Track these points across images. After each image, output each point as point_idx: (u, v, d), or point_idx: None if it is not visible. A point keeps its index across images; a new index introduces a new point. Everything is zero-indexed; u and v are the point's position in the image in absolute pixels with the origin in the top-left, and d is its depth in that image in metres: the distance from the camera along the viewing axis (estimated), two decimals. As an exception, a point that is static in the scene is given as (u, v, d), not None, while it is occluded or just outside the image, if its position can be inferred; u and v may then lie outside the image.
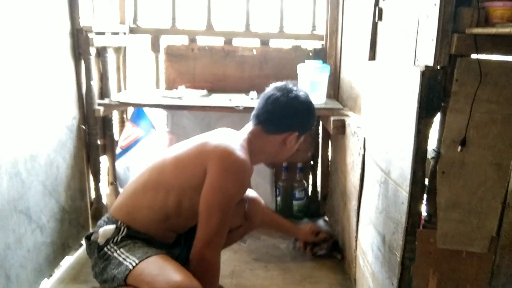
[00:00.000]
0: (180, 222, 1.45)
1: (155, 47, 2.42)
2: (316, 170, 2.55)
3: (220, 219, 1.33)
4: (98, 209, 2.23)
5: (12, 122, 1.50)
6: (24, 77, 1.57)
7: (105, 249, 1.36)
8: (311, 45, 2.45)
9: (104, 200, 2.32)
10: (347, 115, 1.99)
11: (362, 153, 1.62)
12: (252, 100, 2.15)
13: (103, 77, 2.21)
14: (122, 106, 2.17)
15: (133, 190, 1.45)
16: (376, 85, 1.52)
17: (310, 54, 2.41)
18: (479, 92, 1.03)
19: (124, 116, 2.49)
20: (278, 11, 2.39)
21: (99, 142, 2.19)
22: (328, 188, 2.47)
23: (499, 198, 1.09)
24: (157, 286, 1.20)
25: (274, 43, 2.46)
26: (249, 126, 1.52)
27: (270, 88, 1.52)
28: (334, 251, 2.06)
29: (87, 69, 2.02)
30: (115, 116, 2.43)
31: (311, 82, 2.05)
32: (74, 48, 1.94)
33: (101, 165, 2.23)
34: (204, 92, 2.31)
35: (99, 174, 2.21)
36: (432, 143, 1.13)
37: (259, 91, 2.19)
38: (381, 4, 1.53)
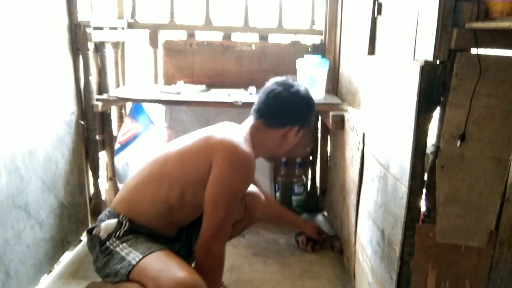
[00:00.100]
0: (182, 215, 1.46)
1: (154, 42, 2.41)
2: (315, 165, 2.56)
3: (225, 211, 1.35)
4: (97, 205, 2.23)
5: (10, 118, 1.49)
6: (22, 73, 1.57)
7: (107, 243, 1.36)
8: (310, 40, 2.44)
9: (103, 196, 2.32)
10: (346, 110, 1.99)
11: (361, 148, 1.62)
12: (251, 95, 2.15)
13: (101, 73, 2.20)
14: (120, 102, 2.17)
15: (136, 183, 1.45)
16: (375, 80, 1.51)
17: (309, 49, 2.40)
18: (479, 86, 1.03)
19: (123, 111, 2.48)
20: (277, 6, 2.38)
21: (97, 137, 2.19)
22: (327, 183, 2.47)
23: (498, 193, 1.09)
24: (161, 282, 1.20)
25: (273, 38, 2.45)
26: (250, 121, 1.53)
27: (271, 83, 1.54)
28: (333, 238, 2.09)
29: (85, 64, 2.01)
30: (114, 111, 2.43)
31: (310, 77, 2.05)
32: (72, 43, 1.93)
33: (100, 160, 2.23)
34: (203, 87, 2.30)
35: (98, 169, 2.20)
36: (431, 138, 1.13)
37: (258, 86, 2.19)
38: (380, -1, 1.52)
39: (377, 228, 1.40)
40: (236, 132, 1.45)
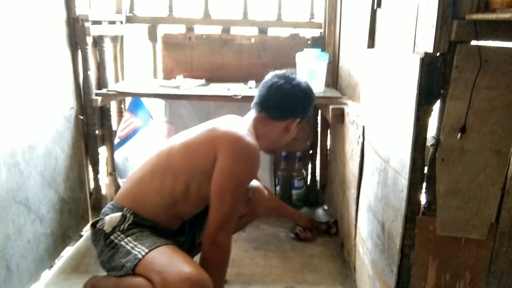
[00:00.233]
0: (186, 208, 1.46)
1: (152, 36, 2.40)
2: (315, 159, 2.56)
3: (232, 202, 1.36)
4: (97, 200, 2.23)
5: (10, 113, 1.49)
6: (21, 68, 1.56)
7: (112, 237, 1.36)
8: (309, 33, 2.43)
9: (103, 191, 2.32)
10: (346, 104, 1.99)
11: (361, 141, 1.62)
12: (251, 89, 2.14)
13: (100, 67, 2.19)
14: (120, 96, 2.16)
15: (140, 176, 1.46)
16: (375, 73, 1.51)
17: (309, 42, 2.40)
18: (479, 78, 1.03)
19: (122, 106, 2.48)
20: (276, -1, 2.37)
21: (97, 132, 2.19)
22: (327, 177, 2.47)
23: (498, 185, 1.09)
24: (167, 276, 1.21)
25: (272, 32, 2.44)
26: (252, 114, 1.55)
27: (271, 76, 1.55)
28: (328, 223, 2.16)
29: (84, 59, 2.00)
30: (113, 106, 2.42)
31: (309, 71, 2.04)
32: (70, 38, 1.92)
33: (99, 155, 2.22)
34: (202, 81, 2.30)
35: (98, 164, 2.20)
36: (431, 131, 1.12)
37: (257, 79, 2.18)
38: (380, -9, 1.51)
39: (377, 221, 1.40)
40: (240, 125, 1.46)
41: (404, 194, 1.16)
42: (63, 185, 1.88)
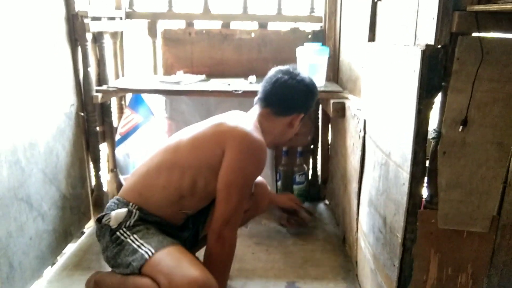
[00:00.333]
0: (192, 204, 1.47)
1: (152, 32, 2.39)
2: (316, 154, 2.55)
3: (238, 198, 1.37)
4: (99, 196, 2.23)
5: (10, 110, 1.49)
6: (21, 65, 1.55)
7: (118, 233, 1.37)
8: (309, 27, 2.42)
9: (105, 187, 2.32)
10: (346, 98, 1.98)
11: (362, 135, 1.62)
12: (251, 84, 2.14)
13: (100, 63, 2.18)
14: (120, 92, 2.16)
15: (146, 171, 1.46)
16: (376, 66, 1.50)
17: (309, 36, 2.38)
18: (481, 70, 1.02)
19: (123, 102, 2.47)
20: (275, -7, 2.36)
21: (98, 129, 2.18)
22: (328, 172, 2.47)
23: (500, 178, 1.08)
24: (174, 279, 1.22)
25: (272, 26, 2.43)
26: (257, 109, 1.56)
27: (274, 72, 1.57)
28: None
29: (84, 55, 2.00)
30: (114, 102, 2.42)
31: (310, 65, 2.03)
32: (70, 34, 1.92)
33: (100, 152, 2.22)
34: (203, 77, 2.29)
35: (99, 161, 2.20)
36: (433, 124, 1.12)
37: (258, 75, 2.18)
38: (380, -16, 1.50)
39: (379, 215, 1.40)
40: (247, 120, 1.47)
41: (405, 188, 1.16)
42: (64, 182, 1.88)
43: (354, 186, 1.74)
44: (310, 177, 2.56)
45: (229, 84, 2.10)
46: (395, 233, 1.23)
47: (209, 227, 1.40)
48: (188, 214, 1.52)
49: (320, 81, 2.07)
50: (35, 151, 1.64)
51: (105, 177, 2.41)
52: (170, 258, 1.28)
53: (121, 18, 2.32)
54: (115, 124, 2.38)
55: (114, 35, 2.35)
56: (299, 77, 1.54)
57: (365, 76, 1.66)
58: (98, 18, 2.09)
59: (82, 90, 2.03)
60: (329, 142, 2.47)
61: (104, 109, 2.29)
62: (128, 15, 2.36)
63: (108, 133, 2.35)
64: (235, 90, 1.99)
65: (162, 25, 2.41)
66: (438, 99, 1.10)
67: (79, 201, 2.04)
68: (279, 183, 2.50)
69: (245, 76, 2.26)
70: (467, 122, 1.06)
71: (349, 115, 1.85)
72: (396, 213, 1.23)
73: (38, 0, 1.67)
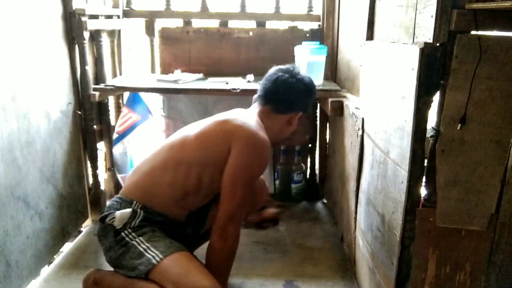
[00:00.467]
0: (196, 201, 1.48)
1: (150, 30, 2.39)
2: (314, 152, 2.55)
3: (243, 195, 1.40)
4: (96, 195, 2.22)
5: (7, 108, 1.48)
6: (18, 63, 1.54)
7: (123, 234, 1.36)
8: (307, 26, 2.42)
9: (102, 186, 2.31)
10: (345, 97, 1.98)
11: (361, 134, 1.62)
12: (249, 83, 2.13)
13: (98, 62, 2.18)
14: (117, 91, 2.15)
15: (150, 169, 1.46)
16: (374, 65, 1.50)
17: (307, 35, 2.38)
18: (479, 69, 1.02)
19: (120, 101, 2.47)
20: (273, -9, 2.36)
21: (95, 127, 2.17)
22: (327, 171, 2.47)
23: (498, 176, 1.08)
24: None
25: (270, 25, 2.42)
26: (257, 107, 1.58)
27: (274, 70, 1.59)
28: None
29: (81, 54, 1.99)
30: (111, 101, 2.41)
31: (308, 64, 2.03)
32: (67, 32, 1.91)
33: (98, 150, 2.21)
34: (200, 75, 2.29)
35: (96, 160, 2.19)
36: (431, 122, 1.12)
37: (256, 73, 2.18)
38: (378, -18, 1.50)
39: (377, 213, 1.40)
40: (251, 119, 1.49)
41: (404, 186, 1.16)
42: (61, 180, 1.87)
43: (352, 184, 1.74)
44: (308, 176, 2.56)
45: (227, 83, 2.10)
46: (393, 231, 1.23)
47: (210, 223, 1.40)
48: (190, 211, 1.52)
49: (318, 80, 2.07)
50: (32, 150, 1.63)
51: (103, 175, 2.40)
52: (178, 266, 1.29)
53: (118, 17, 2.31)
54: (112, 122, 2.38)
55: (111, 33, 2.34)
56: (299, 76, 1.57)
57: (363, 75, 1.65)
58: (96, 17, 2.08)
59: (80, 89, 2.02)
60: (327, 140, 2.47)
61: (102, 107, 2.28)
62: (126, 14, 2.35)
63: (106, 132, 2.34)
64: (233, 89, 1.98)
65: (160, 24, 2.40)
66: (436, 97, 1.10)
67: (76, 200, 2.03)
68: (277, 181, 2.50)
69: (243, 74, 2.26)
70: (465, 120, 1.06)
71: (347, 113, 1.85)
72: (395, 211, 1.23)
73: (35, -2, 1.67)
